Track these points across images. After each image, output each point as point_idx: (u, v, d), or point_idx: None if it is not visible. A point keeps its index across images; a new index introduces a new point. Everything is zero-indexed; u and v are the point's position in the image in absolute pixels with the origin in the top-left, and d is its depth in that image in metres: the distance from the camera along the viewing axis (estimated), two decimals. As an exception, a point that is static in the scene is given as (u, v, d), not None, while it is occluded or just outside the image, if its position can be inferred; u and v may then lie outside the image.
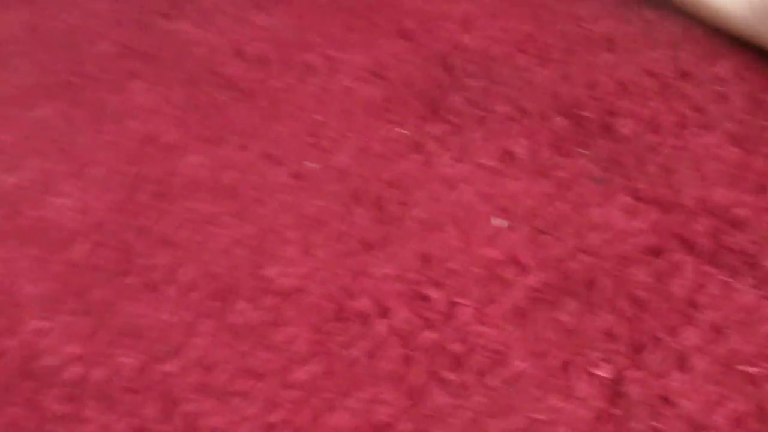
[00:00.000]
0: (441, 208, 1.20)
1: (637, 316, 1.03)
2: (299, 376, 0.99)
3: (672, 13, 1.50)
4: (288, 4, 1.59)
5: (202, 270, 1.17)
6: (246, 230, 1.21)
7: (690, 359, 0.97)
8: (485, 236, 1.15)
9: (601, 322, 1.02)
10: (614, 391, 0.94)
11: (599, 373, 0.96)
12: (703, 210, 1.15)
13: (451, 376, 0.98)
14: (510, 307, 1.05)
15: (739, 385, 0.94)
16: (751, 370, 0.95)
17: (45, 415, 0.97)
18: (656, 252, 1.11)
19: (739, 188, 1.17)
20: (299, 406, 0.96)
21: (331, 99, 1.37)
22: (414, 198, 1.21)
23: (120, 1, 1.68)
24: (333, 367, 1.00)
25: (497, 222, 1.17)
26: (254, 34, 1.53)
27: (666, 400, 0.93)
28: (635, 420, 0.91)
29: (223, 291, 1.14)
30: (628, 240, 1.13)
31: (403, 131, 1.30)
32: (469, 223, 1.17)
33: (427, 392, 0.96)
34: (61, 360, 1.04)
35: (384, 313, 1.06)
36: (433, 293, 1.09)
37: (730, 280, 1.06)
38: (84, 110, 1.43)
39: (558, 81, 1.38)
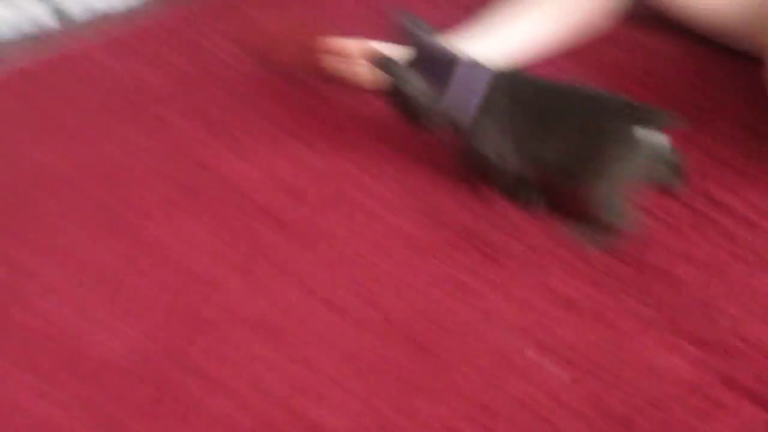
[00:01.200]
0: (476, 342, 1.18)
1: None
2: None
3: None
4: (324, 136, 1.61)
5: (234, 402, 1.16)
6: (279, 362, 1.20)
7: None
8: (521, 371, 1.14)
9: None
10: None
11: None
12: (746, 346, 1.13)
13: None
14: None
15: None
16: None
17: None
18: (697, 390, 1.08)
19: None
20: None
21: (367, 230, 1.38)
22: (449, 330, 1.20)
23: (158, 130, 1.71)
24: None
25: (533, 356, 1.16)
26: (291, 165, 1.55)
27: None
28: None
29: (254, 425, 1.12)
30: (668, 377, 1.10)
31: (439, 263, 1.30)
32: (505, 358, 1.16)
33: None
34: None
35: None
36: (469, 430, 1.07)
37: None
38: (121, 237, 1.45)
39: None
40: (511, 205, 1.38)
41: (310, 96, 1.74)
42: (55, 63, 2.08)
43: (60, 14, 2.25)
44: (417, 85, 1.35)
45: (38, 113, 1.88)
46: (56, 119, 1.84)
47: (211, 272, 1.35)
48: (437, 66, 1.36)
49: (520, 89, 1.34)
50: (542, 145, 1.30)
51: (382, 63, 1.36)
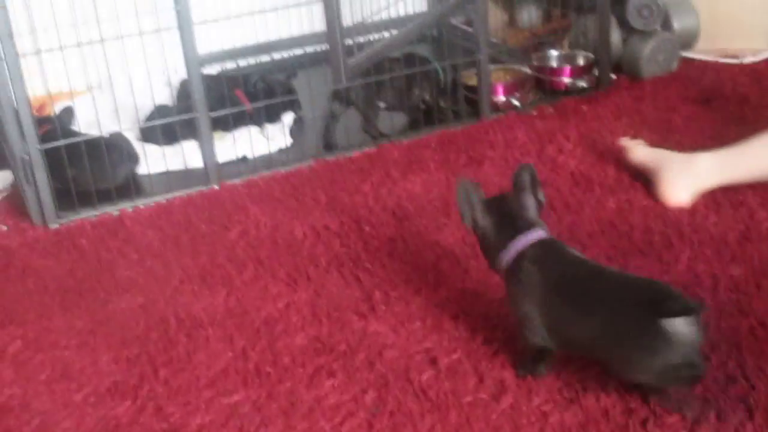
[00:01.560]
0: None
1: None
2: None
3: None
4: (478, 313, 1.61)
5: None
6: None
7: None
8: None
9: None
10: None
11: None
12: None
13: None
14: None
15: None
16: None
17: None
18: None
19: None
20: None
21: (525, 421, 1.35)
22: None
23: (319, 295, 1.74)
24: None
25: None
26: (448, 343, 1.55)
27: None
28: None
29: None
30: None
31: None
32: None
33: None
34: None
35: None
36: None
37: None
38: (277, 403, 1.45)
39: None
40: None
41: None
42: (203, 204, 2.17)
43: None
44: (482, 225, 1.49)
45: (180, 254, 1.96)
46: (201, 263, 1.91)
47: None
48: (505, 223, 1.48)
49: (551, 259, 1.42)
50: (570, 324, 1.36)
51: (462, 187, 1.49)
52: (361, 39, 2.45)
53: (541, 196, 1.49)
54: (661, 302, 1.26)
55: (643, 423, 1.31)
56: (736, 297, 1.60)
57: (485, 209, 1.50)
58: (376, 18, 2.35)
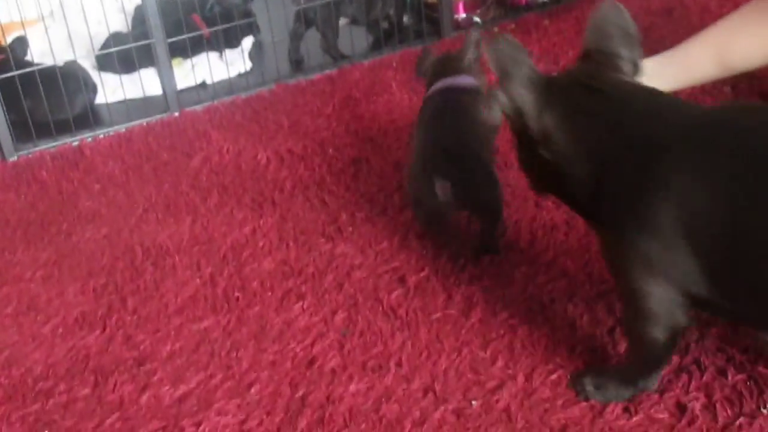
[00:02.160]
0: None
1: None
2: None
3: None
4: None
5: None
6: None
7: None
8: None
9: None
10: None
11: None
12: None
13: None
14: None
15: None
16: None
17: None
18: None
19: None
20: None
21: (494, 334, 1.36)
22: (582, 449, 1.17)
23: (285, 220, 1.73)
24: None
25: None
26: (416, 262, 1.55)
27: None
28: None
29: None
30: None
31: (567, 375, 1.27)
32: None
33: None
34: None
35: None
36: None
37: None
38: (247, 327, 1.45)
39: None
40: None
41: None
42: (164, 133, 2.15)
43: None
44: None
45: (142, 183, 1.94)
46: (164, 192, 1.89)
47: (339, 368, 1.34)
48: None
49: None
50: None
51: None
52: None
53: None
54: None
55: (611, 331, 1.32)
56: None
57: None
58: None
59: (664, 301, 1.03)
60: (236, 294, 1.53)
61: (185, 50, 2.39)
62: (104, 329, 1.49)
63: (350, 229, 1.67)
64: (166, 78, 2.25)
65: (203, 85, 2.41)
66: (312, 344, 1.39)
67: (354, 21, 2.47)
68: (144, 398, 1.32)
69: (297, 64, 2.46)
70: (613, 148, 1.03)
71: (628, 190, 1.02)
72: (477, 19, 2.57)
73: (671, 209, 0.97)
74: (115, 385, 1.35)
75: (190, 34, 2.36)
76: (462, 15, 2.57)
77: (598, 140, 1.04)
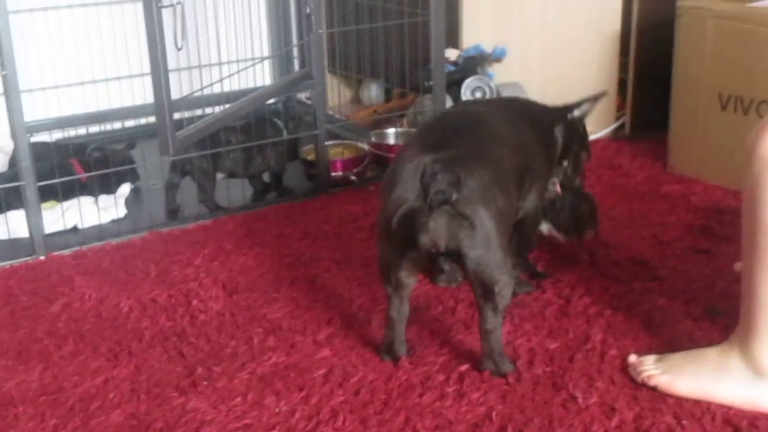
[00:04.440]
0: None
1: None
2: None
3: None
4: (300, 388, 1.61)
5: None
6: None
7: None
8: None
9: None
10: None
11: None
12: None
13: None
14: None
15: None
16: None
17: None
18: None
19: None
20: None
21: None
22: None
23: (140, 371, 1.70)
24: None
25: None
26: (268, 419, 1.53)
27: None
28: None
29: None
30: None
31: None
32: None
33: None
34: None
35: None
36: None
37: None
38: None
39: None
40: None
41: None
42: (27, 276, 2.10)
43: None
44: None
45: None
46: (18, 337, 1.83)
47: None
48: None
49: None
50: None
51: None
52: (199, 111, 2.44)
53: None
54: None
55: None
56: (551, 370, 1.65)
57: None
58: (212, 91, 2.35)
59: None
60: (80, 449, 1.48)
61: (58, 194, 2.38)
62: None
63: (205, 383, 1.65)
64: (34, 221, 2.22)
65: (74, 229, 2.38)
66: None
67: (231, 175, 2.51)
68: None
69: (173, 213, 2.46)
70: None
71: None
72: (353, 177, 2.64)
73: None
74: None
75: (64, 179, 2.34)
76: (339, 173, 2.63)
77: None
